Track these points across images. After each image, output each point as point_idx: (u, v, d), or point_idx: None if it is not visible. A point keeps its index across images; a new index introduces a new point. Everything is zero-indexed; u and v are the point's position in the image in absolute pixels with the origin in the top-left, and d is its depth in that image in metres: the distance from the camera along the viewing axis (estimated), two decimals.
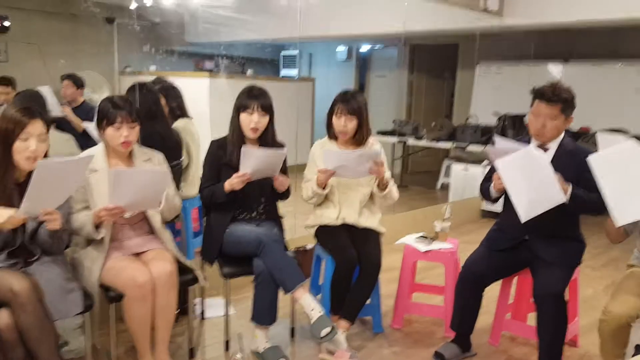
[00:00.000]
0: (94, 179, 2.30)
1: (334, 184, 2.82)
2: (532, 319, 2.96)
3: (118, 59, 7.57)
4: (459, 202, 5.64)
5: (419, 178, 7.69)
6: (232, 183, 2.55)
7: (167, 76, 4.21)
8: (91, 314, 2.25)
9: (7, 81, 5.04)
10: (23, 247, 2.13)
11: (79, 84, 4.78)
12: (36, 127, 2.06)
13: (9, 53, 6.94)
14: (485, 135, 6.11)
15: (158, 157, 2.53)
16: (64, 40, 7.06)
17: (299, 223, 3.85)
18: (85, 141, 4.24)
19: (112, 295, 2.28)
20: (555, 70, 6.55)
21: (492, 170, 2.66)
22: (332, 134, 2.89)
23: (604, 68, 6.19)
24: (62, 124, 4.46)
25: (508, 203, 2.64)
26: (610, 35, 6.15)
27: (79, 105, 4.71)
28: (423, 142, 6.70)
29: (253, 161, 2.49)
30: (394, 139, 6.86)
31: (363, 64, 9.03)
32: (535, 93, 2.53)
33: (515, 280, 2.83)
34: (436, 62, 8.31)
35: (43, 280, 2.05)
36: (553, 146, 2.54)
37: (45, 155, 2.11)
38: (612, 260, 4.47)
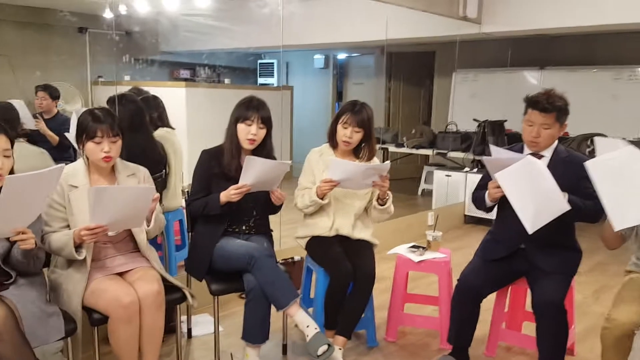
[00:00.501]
0: (74, 196, 2.17)
1: (330, 193, 2.73)
2: (527, 328, 2.94)
3: (91, 69, 7.39)
4: (442, 209, 5.62)
5: (400, 185, 7.64)
6: (230, 195, 2.44)
7: (141, 86, 4.10)
8: (74, 337, 2.12)
9: None
10: None
11: (54, 95, 4.65)
12: (0, 142, 1.92)
13: None
14: (465, 141, 6.13)
15: (143, 172, 2.40)
16: (35, 51, 6.85)
17: (284, 233, 3.76)
18: (60, 154, 4.10)
19: (96, 318, 2.14)
20: (532, 77, 6.62)
21: (486, 178, 2.62)
22: (334, 142, 2.80)
23: (579, 74, 6.27)
24: (35, 138, 4.31)
25: (502, 211, 2.60)
26: (585, 41, 6.25)
27: (53, 116, 4.56)
28: (404, 149, 6.67)
29: (256, 172, 2.39)
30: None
31: (340, 72, 9.02)
32: (528, 102, 2.50)
33: (509, 289, 2.79)
34: (413, 69, 8.34)
35: (20, 304, 1.91)
36: (547, 154, 2.52)
37: (11, 172, 1.98)
38: (599, 265, 4.49)
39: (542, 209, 2.28)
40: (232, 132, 2.57)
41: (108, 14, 6.53)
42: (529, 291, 2.59)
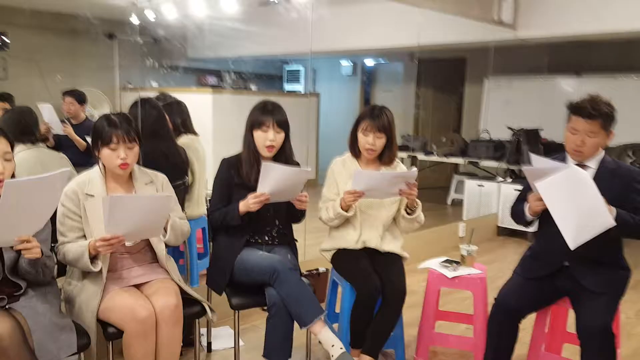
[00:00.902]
0: (90, 204, 2.07)
1: (356, 205, 2.59)
2: (567, 350, 2.73)
3: (119, 75, 7.42)
4: (474, 220, 5.41)
5: (428, 194, 7.43)
6: (249, 204, 2.32)
7: (170, 92, 4.05)
8: (87, 352, 2.02)
9: (4, 98, 4.88)
10: (5, 280, 1.89)
11: (81, 100, 4.63)
12: None
13: (8, 70, 6.80)
14: (498, 150, 5.91)
15: (162, 179, 2.30)
16: (64, 57, 6.93)
17: (309, 242, 3.62)
18: (86, 159, 4.05)
19: (111, 332, 2.04)
20: (568, 84, 6.37)
21: (525, 190, 2.44)
22: (356, 152, 2.66)
23: (618, 81, 6.00)
24: (63, 142, 4.29)
25: (544, 226, 2.42)
26: (624, 47, 5.98)
27: (82, 122, 4.54)
28: (434, 158, 6.48)
29: (273, 179, 2.26)
30: (403, 154, 6.65)
31: (368, 79, 8.89)
32: (572, 108, 2.32)
33: (550, 309, 2.59)
34: (443, 76, 8.15)
35: (30, 317, 1.82)
36: (593, 164, 2.33)
37: (13, 177, 1.89)
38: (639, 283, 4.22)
39: (585, 223, 2.10)
40: (248, 140, 2.46)
41: (136, 21, 6.56)
42: (570, 311, 2.40)
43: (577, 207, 2.10)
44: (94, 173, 2.15)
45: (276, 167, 2.25)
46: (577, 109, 2.29)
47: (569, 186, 2.11)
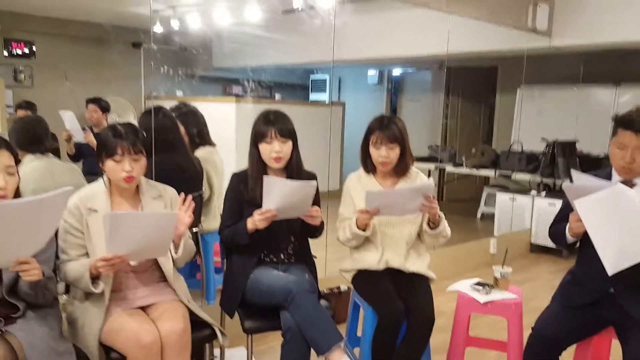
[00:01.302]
0: (94, 220, 1.94)
1: (375, 223, 2.42)
2: None
3: (144, 83, 7.41)
4: (506, 236, 5.16)
5: (456, 207, 7.21)
6: (255, 221, 2.17)
7: (192, 101, 3.96)
8: None
9: (27, 105, 4.87)
10: (2, 301, 1.77)
11: (104, 108, 4.60)
12: (1, 159, 1.73)
13: (34, 78, 6.85)
14: (531, 162, 5.64)
15: (170, 194, 2.16)
16: (89, 65, 6.98)
17: (330, 257, 3.44)
18: None
19: (114, 358, 1.90)
20: (605, 94, 6.07)
21: (566, 209, 2.22)
22: (368, 167, 2.50)
23: None
24: (84, 151, 4.24)
25: (586, 248, 2.18)
26: None
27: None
28: (463, 169, 6.24)
29: (277, 194, 2.10)
30: (430, 166, 6.43)
31: (395, 88, 8.71)
32: (619, 121, 2.11)
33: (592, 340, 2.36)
34: (473, 85, 7.92)
35: (27, 342, 1.69)
36: None
37: (17, 191, 1.78)
38: None
39: (628, 248, 1.88)
40: (253, 154, 2.32)
41: (160, 30, 6.54)
42: (614, 342, 2.18)
43: (620, 229, 1.88)
44: (98, 186, 2.03)
45: (278, 182, 2.11)
46: (625, 122, 2.08)
47: (611, 206, 1.90)
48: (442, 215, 2.45)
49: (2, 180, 1.71)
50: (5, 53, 6.67)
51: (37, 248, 1.66)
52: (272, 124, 2.26)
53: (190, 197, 2.04)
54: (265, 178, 2.10)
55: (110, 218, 1.72)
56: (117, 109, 6.31)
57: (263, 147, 2.27)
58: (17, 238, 1.58)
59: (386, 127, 2.40)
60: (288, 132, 2.28)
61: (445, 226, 2.46)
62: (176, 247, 2.03)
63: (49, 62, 6.81)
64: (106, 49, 7.12)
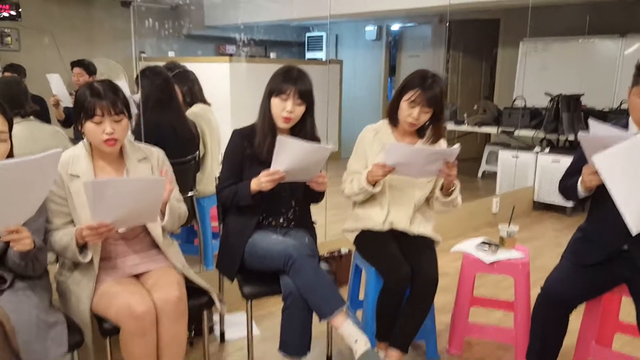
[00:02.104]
0: (76, 186, 1.82)
1: (385, 180, 2.30)
2: (618, 341, 2.45)
3: (135, 44, 7.18)
4: (508, 193, 5.07)
5: (457, 166, 7.11)
6: (261, 183, 2.05)
7: (184, 62, 3.82)
8: (82, 349, 1.81)
9: (15, 69, 4.70)
10: None
11: (90, 70, 4.42)
12: None
13: (22, 41, 6.62)
14: (535, 118, 5.50)
15: (157, 155, 2.03)
16: (79, 27, 6.75)
17: (330, 220, 3.36)
18: None
19: (107, 328, 1.82)
20: (611, 46, 5.88)
21: (580, 162, 2.10)
22: (394, 120, 2.33)
23: None
24: (72, 115, 4.10)
25: (599, 203, 2.10)
26: None
27: None
28: (464, 127, 6.10)
29: (290, 156, 1.98)
30: None
31: (394, 44, 8.46)
32: None
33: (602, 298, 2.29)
34: (474, 39, 7.68)
35: (15, 314, 1.60)
36: None
37: (10, 157, 1.67)
38: None
39: None
40: (265, 108, 2.16)
41: None
42: (624, 298, 2.13)
43: None
44: (78, 150, 1.89)
45: (293, 143, 1.97)
46: None
47: (633, 159, 1.78)
48: (458, 184, 2.34)
49: None
50: None
51: (27, 216, 1.56)
52: (293, 82, 2.10)
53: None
54: (279, 137, 1.97)
55: (92, 185, 1.60)
56: (107, 72, 6.11)
57: (275, 103, 2.12)
58: (6, 205, 1.47)
59: (429, 87, 2.20)
60: (307, 94, 2.13)
61: (457, 195, 2.35)
62: (162, 214, 1.92)
63: (36, 24, 6.56)
64: (94, 9, 6.89)
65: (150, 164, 1.97)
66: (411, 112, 2.23)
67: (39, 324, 1.65)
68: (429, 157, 2.13)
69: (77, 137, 3.56)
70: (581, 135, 1.96)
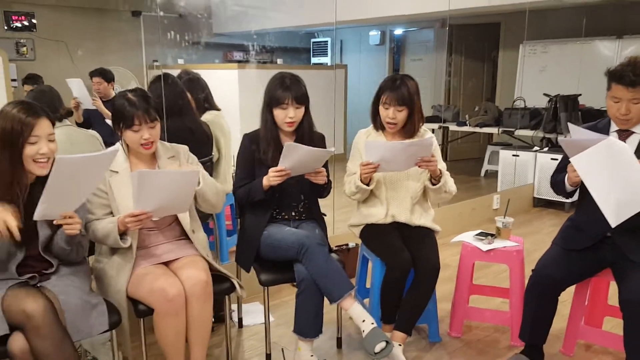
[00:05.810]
0: (115, 181, 2.06)
1: (380, 178, 2.51)
2: (608, 323, 2.63)
3: (145, 52, 7.42)
4: (509, 191, 5.25)
5: (460, 166, 7.30)
6: (270, 178, 2.27)
7: (195, 69, 4.01)
8: (119, 329, 2.02)
9: (34, 79, 4.93)
10: (38, 258, 1.90)
11: (108, 78, 4.64)
12: (43, 127, 1.82)
13: (36, 51, 6.85)
14: (534, 118, 5.69)
15: (184, 152, 2.27)
16: (91, 36, 6.96)
17: (338, 218, 3.57)
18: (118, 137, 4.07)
19: (141, 309, 2.04)
20: (608, 48, 6.06)
21: (566, 159, 2.31)
22: (378, 124, 2.56)
23: None
24: (93, 119, 4.31)
25: (585, 196, 2.29)
26: None
27: (111, 99, 4.54)
28: (466, 128, 6.30)
29: (295, 157, 2.21)
30: (434, 125, 6.49)
31: (397, 48, 8.67)
32: (611, 75, 2.17)
33: (590, 281, 2.49)
34: (475, 42, 7.87)
35: (62, 296, 1.83)
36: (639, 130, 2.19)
37: None
38: None
39: (627, 199, 1.95)
40: (266, 118, 2.38)
41: None
42: (612, 283, 2.31)
43: (617, 181, 1.95)
44: (117, 149, 2.13)
45: (300, 148, 2.19)
46: (617, 76, 2.14)
47: (606, 159, 1.96)
48: (444, 170, 2.53)
49: (46, 147, 1.81)
50: (5, 26, 6.65)
51: (79, 204, 1.81)
52: (288, 90, 2.31)
53: None
54: (287, 144, 2.18)
55: (139, 175, 1.84)
56: (119, 80, 6.34)
57: (277, 112, 2.34)
58: (67, 193, 1.72)
59: (397, 88, 2.42)
60: (303, 98, 2.35)
61: (446, 181, 2.52)
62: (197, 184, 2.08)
63: (50, 34, 6.80)
64: (106, 18, 7.10)
65: (178, 161, 2.20)
66: (387, 113, 2.45)
67: (84, 304, 1.86)
68: (406, 150, 2.32)
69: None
70: (561, 139, 2.18)
